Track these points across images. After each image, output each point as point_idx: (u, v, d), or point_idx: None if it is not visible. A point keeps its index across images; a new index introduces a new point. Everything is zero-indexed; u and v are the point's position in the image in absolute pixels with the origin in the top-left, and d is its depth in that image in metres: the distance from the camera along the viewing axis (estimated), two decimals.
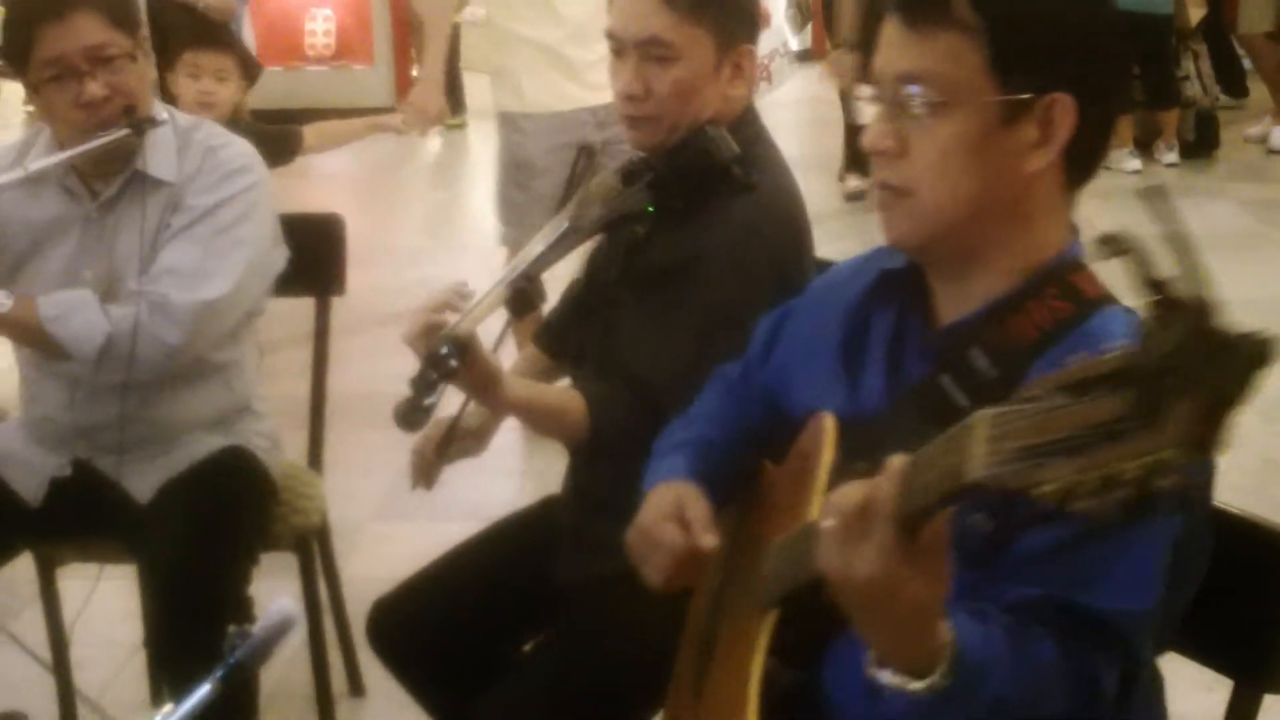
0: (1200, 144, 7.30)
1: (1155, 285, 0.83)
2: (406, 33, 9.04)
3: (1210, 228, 6.29)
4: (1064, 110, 1.30)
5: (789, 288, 1.85)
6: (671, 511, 1.57)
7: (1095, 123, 1.33)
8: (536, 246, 1.77)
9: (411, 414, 1.64)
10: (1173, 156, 7.11)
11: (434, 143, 8.47)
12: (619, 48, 1.93)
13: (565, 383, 2.04)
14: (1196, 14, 7.51)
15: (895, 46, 1.34)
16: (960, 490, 0.99)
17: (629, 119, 1.95)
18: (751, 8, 1.98)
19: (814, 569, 1.15)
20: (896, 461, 1.07)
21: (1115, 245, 0.88)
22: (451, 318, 1.70)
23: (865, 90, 1.37)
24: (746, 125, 1.97)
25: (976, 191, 1.32)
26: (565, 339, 2.16)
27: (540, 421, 1.97)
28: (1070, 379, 0.90)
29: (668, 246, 1.89)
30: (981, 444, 0.95)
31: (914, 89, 1.31)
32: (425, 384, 1.64)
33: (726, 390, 1.74)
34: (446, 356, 1.64)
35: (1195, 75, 7.29)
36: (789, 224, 1.94)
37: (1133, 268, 0.85)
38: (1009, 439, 0.93)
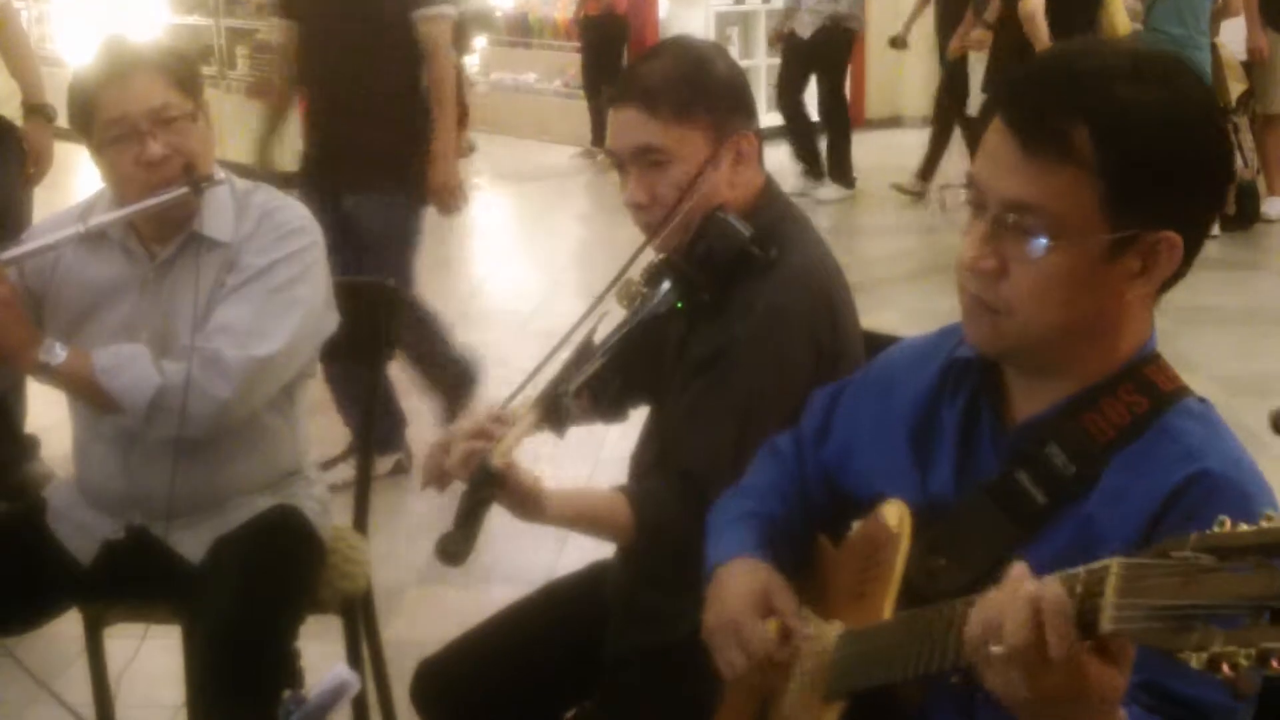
0: (1240, 216, 7.30)
1: None
2: None
3: (1252, 300, 6.26)
4: (1170, 247, 1.28)
5: (828, 360, 1.86)
6: (759, 601, 1.53)
7: (1192, 245, 1.30)
8: (567, 360, 1.76)
9: (452, 545, 1.56)
10: (1214, 229, 7.09)
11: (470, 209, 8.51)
12: (620, 164, 1.95)
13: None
14: (1237, 88, 7.52)
15: (1005, 167, 1.28)
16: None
17: (644, 226, 1.95)
18: (738, 96, 1.96)
19: (929, 671, 1.17)
20: (1053, 589, 1.03)
21: None
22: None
23: (965, 194, 1.33)
24: (768, 205, 1.97)
25: (1071, 319, 1.30)
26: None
27: (588, 530, 1.96)
28: (1218, 542, 0.89)
29: (703, 338, 1.90)
30: (1114, 595, 0.95)
31: (1021, 217, 1.27)
32: (465, 513, 1.61)
33: (780, 464, 1.73)
34: (483, 486, 1.63)
35: (1236, 148, 7.29)
36: (819, 297, 1.92)
37: None
38: (1145, 595, 0.92)
